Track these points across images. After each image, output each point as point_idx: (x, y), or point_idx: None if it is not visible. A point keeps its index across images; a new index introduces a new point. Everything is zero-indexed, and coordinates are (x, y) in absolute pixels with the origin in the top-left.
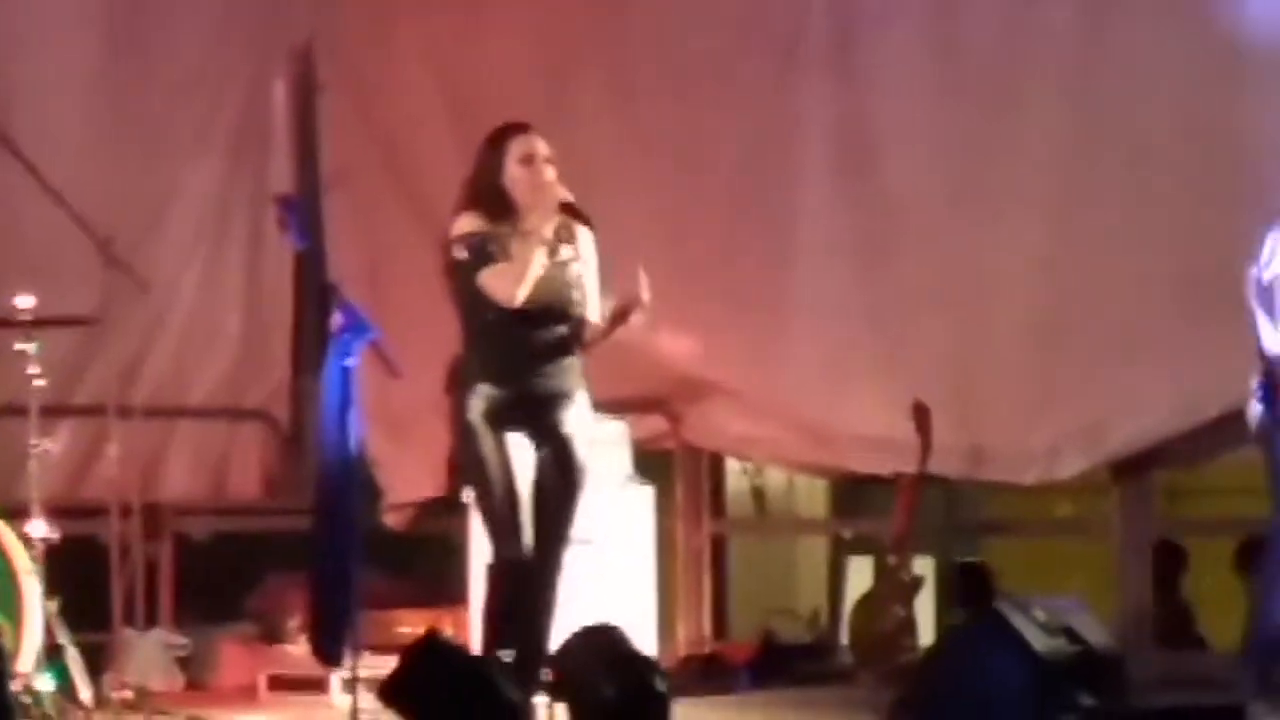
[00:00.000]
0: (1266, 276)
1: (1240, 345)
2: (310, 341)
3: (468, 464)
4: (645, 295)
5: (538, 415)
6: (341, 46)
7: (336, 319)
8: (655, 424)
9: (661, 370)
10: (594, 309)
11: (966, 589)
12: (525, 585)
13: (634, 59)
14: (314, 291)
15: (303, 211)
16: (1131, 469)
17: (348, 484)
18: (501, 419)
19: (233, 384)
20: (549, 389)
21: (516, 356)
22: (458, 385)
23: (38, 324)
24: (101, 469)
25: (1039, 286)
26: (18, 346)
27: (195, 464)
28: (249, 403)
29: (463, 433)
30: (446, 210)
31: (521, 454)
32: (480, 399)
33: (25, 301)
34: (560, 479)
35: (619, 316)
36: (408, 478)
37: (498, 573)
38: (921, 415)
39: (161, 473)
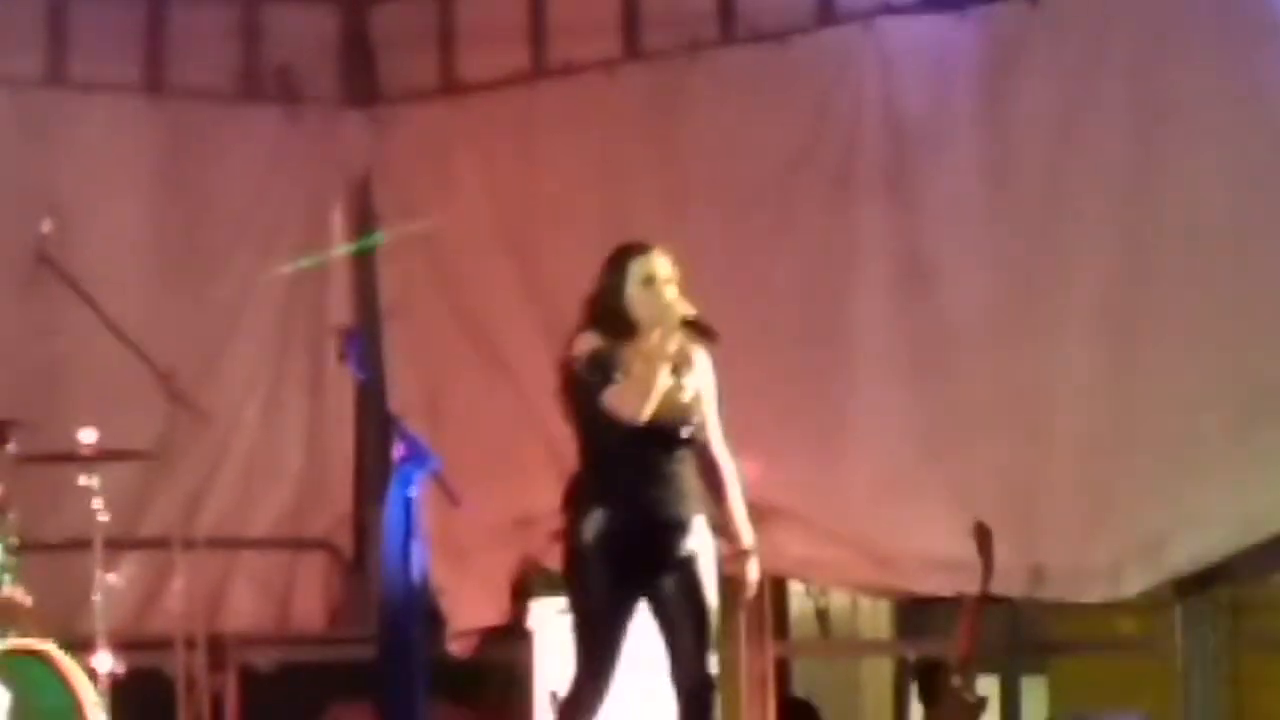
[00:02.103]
0: None
1: None
2: (372, 472)
3: (572, 588)
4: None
5: (660, 541)
6: (397, 175)
7: (398, 449)
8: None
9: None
10: (715, 433)
11: (927, 687)
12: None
13: (687, 184)
14: (375, 422)
15: (362, 343)
16: (1194, 585)
17: (411, 612)
18: (616, 547)
19: (295, 515)
20: (669, 515)
21: (638, 478)
22: (574, 505)
23: (101, 458)
24: (166, 601)
25: (1096, 404)
26: (81, 481)
27: (259, 594)
28: (312, 533)
29: (574, 555)
30: (504, 339)
31: (629, 588)
32: (596, 522)
33: (88, 436)
34: (692, 604)
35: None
36: (470, 605)
37: (571, 701)
38: (982, 535)
39: (225, 604)
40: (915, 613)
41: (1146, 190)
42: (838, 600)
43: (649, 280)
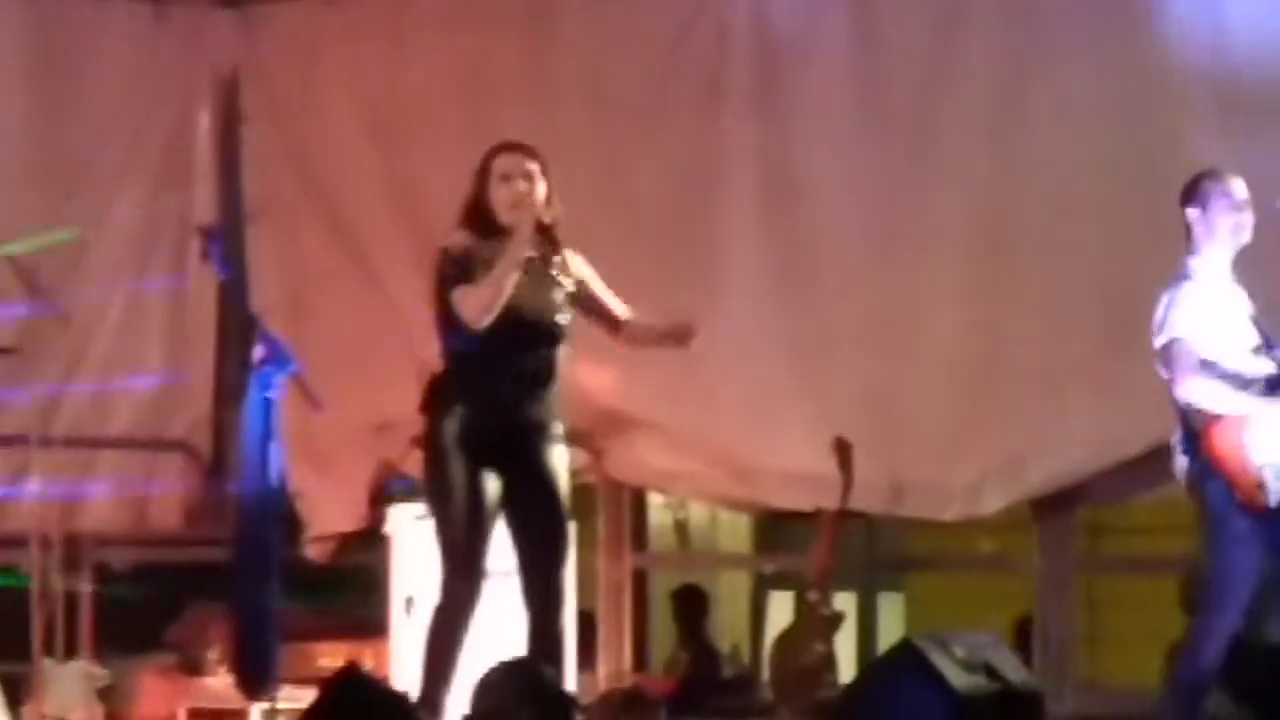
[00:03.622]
0: (1162, 340)
1: (1160, 384)
2: (232, 373)
3: (433, 488)
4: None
5: (516, 446)
6: (265, 76)
7: (258, 351)
8: (577, 458)
9: (583, 404)
10: (619, 308)
11: (684, 612)
12: (465, 620)
13: (558, 93)
14: (236, 323)
15: (226, 242)
16: (1052, 506)
17: (268, 516)
18: (476, 447)
19: (154, 415)
20: (528, 419)
21: (496, 380)
22: (433, 405)
23: None
24: (22, 500)
25: (960, 324)
26: None
27: (116, 495)
28: (170, 434)
29: (432, 455)
30: (370, 242)
31: (491, 483)
32: (455, 422)
33: None
34: (548, 509)
35: (675, 337)
36: (329, 510)
37: (445, 604)
38: (843, 451)
39: (82, 503)
40: (774, 527)
41: (1017, 112)
42: (697, 513)
43: (506, 178)
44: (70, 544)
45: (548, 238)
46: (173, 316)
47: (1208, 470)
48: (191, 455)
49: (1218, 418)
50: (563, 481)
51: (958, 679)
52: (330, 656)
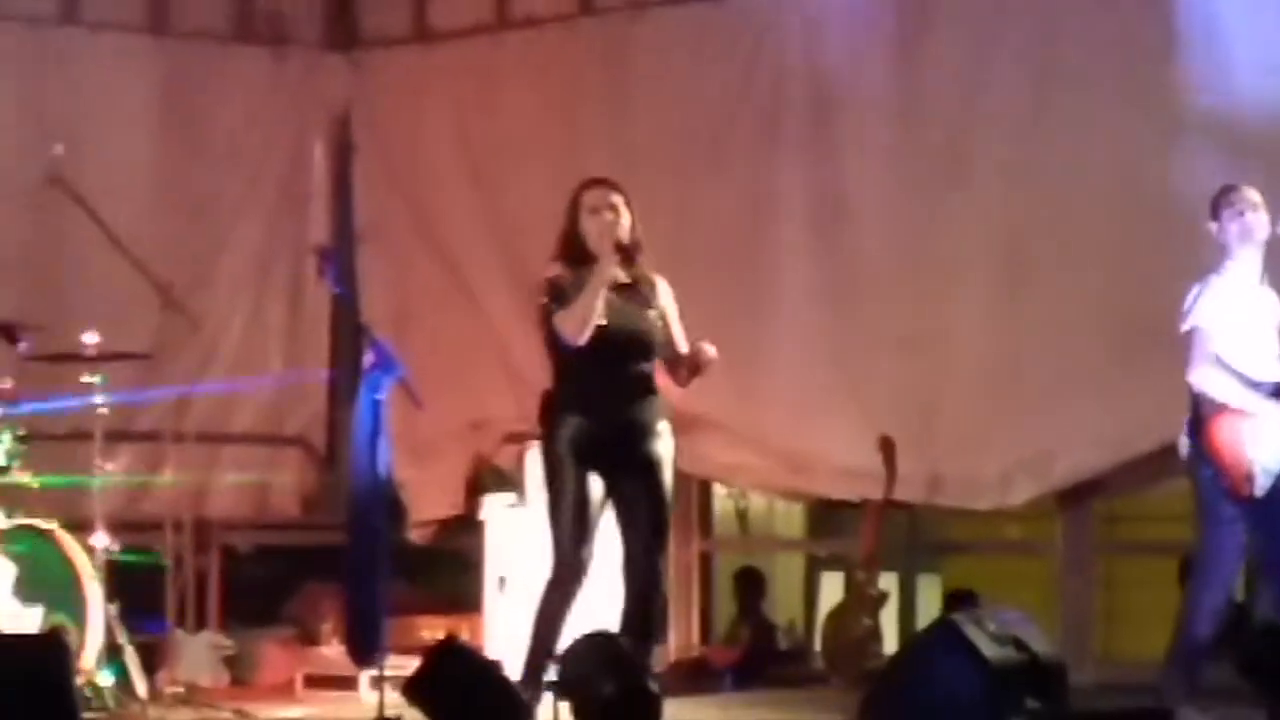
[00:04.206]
0: (1185, 327)
1: (1169, 388)
2: (344, 377)
3: (549, 488)
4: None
5: (622, 446)
6: (374, 113)
7: (368, 357)
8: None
9: None
10: (681, 342)
11: (744, 591)
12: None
13: (634, 127)
14: (348, 332)
15: (338, 261)
16: (1074, 496)
17: (376, 503)
18: (585, 450)
19: (274, 413)
20: (630, 423)
21: (599, 391)
22: (547, 416)
23: (102, 358)
24: (158, 489)
25: (990, 333)
26: (84, 379)
27: (240, 485)
28: (289, 430)
29: (549, 460)
30: (465, 262)
31: (597, 486)
32: (567, 430)
33: (91, 339)
34: (650, 506)
35: (693, 367)
36: (429, 498)
37: (552, 587)
38: (887, 447)
39: (210, 492)
40: (825, 515)
41: (1040, 144)
42: (757, 502)
43: (594, 210)
44: (200, 528)
45: (633, 261)
46: (291, 326)
47: (1203, 456)
48: (308, 449)
49: (1223, 408)
50: (666, 477)
51: (990, 650)
52: (431, 629)
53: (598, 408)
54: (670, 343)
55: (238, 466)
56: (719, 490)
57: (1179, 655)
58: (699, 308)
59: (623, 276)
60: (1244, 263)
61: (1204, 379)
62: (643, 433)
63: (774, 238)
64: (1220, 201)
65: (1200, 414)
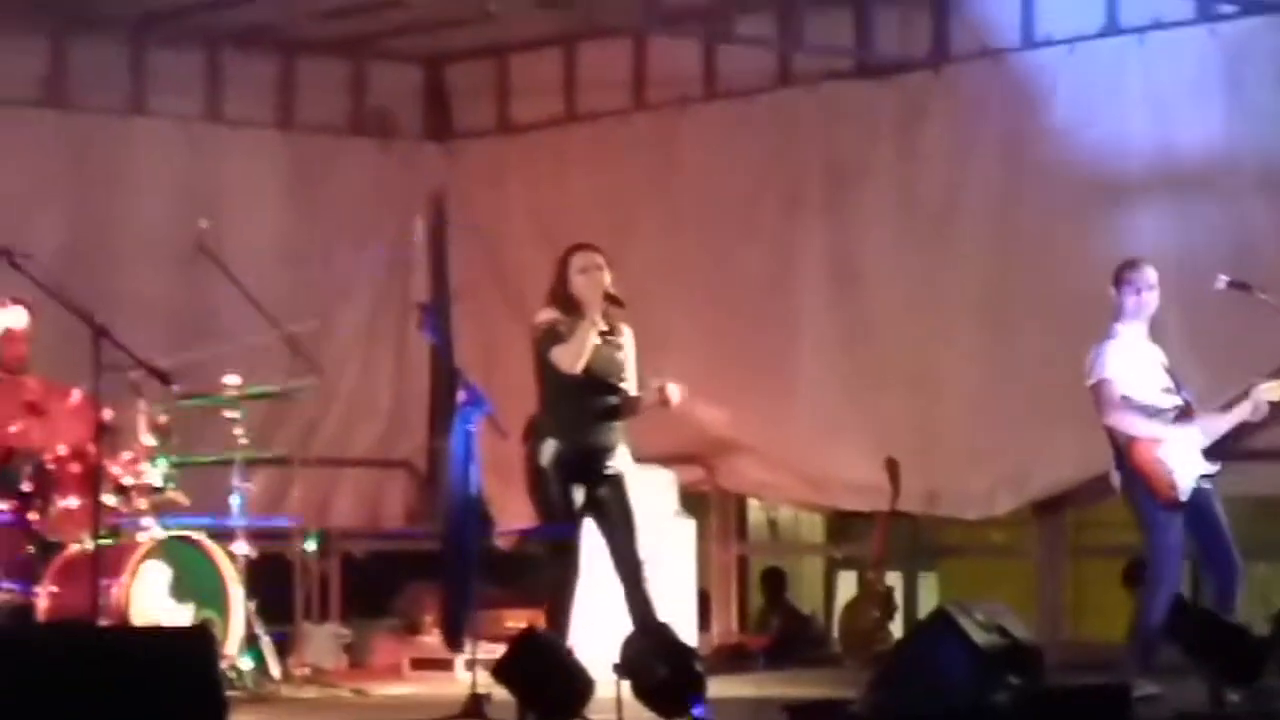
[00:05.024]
0: (1091, 381)
1: None
2: (442, 412)
3: (538, 499)
4: (675, 400)
5: (595, 463)
6: (465, 192)
7: (460, 395)
8: (695, 473)
9: (700, 433)
10: (633, 385)
11: (770, 587)
12: (570, 595)
13: (679, 201)
14: (444, 375)
15: (436, 316)
16: (1048, 507)
17: (468, 516)
18: (565, 466)
19: (385, 442)
20: (602, 443)
21: (579, 417)
22: (532, 438)
23: (241, 397)
24: (287, 504)
25: (976, 371)
26: (226, 414)
27: (356, 501)
28: (396, 455)
29: (535, 476)
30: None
31: (579, 494)
32: (550, 449)
33: (232, 380)
34: (621, 509)
35: (656, 401)
36: (512, 512)
37: (553, 586)
38: (892, 467)
39: (332, 507)
40: (841, 523)
41: (1013, 217)
42: (784, 513)
43: (583, 270)
44: (323, 537)
45: (610, 301)
46: (397, 370)
47: (1133, 478)
48: (412, 472)
49: (1136, 438)
50: (628, 488)
51: (979, 636)
52: (514, 620)
53: (575, 432)
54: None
55: (354, 485)
56: (752, 503)
57: (1137, 639)
58: (733, 351)
59: (602, 324)
60: (1133, 326)
61: (1119, 420)
62: (609, 452)
63: (797, 292)
64: (1123, 275)
65: (1120, 448)
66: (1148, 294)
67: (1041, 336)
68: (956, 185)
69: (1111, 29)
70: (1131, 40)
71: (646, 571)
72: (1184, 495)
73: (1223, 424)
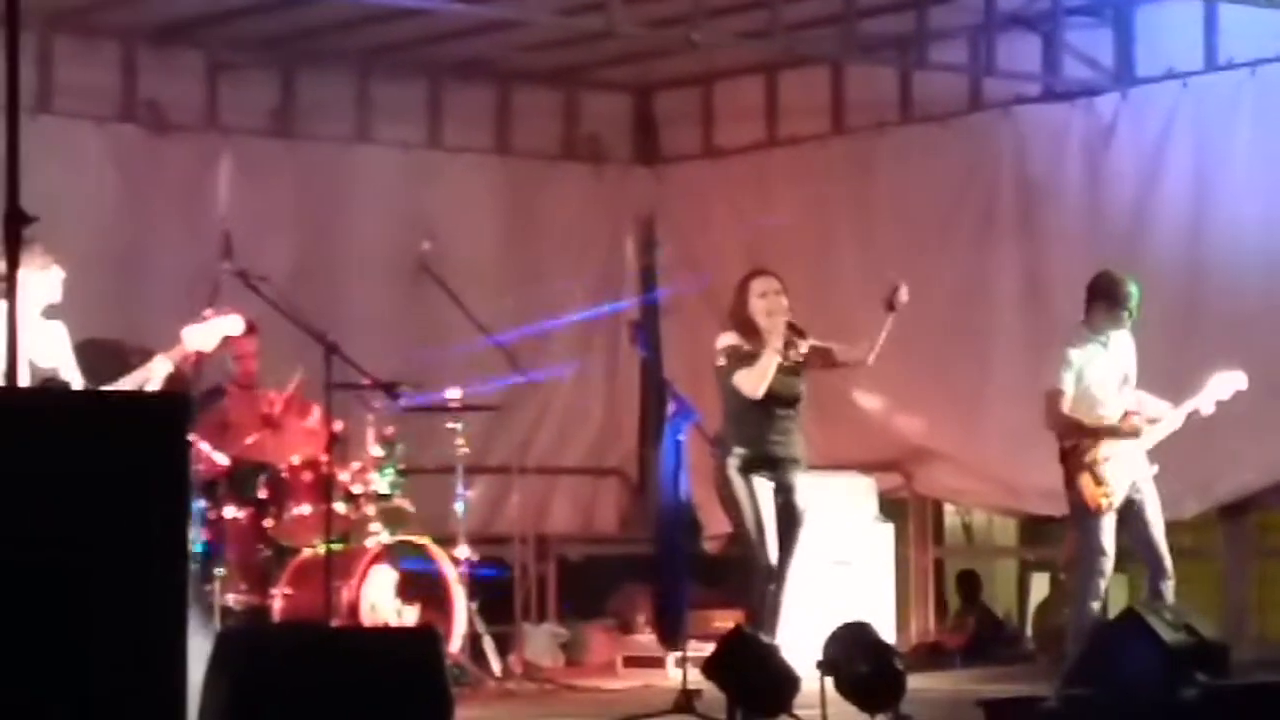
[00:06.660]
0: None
1: None
2: (652, 422)
3: (728, 503)
4: (904, 297)
5: (773, 471)
6: (673, 213)
7: (670, 406)
8: (894, 480)
9: (898, 442)
10: (835, 345)
11: (965, 588)
12: (770, 585)
13: (876, 220)
14: (654, 387)
15: (646, 331)
16: (1233, 510)
17: (678, 521)
18: (750, 472)
19: (597, 450)
20: (780, 453)
21: (760, 431)
22: (721, 446)
23: (462, 409)
24: (506, 511)
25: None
26: (448, 425)
27: (571, 507)
28: (608, 464)
29: (724, 482)
30: None
31: (765, 493)
32: (736, 458)
33: (453, 393)
34: (789, 518)
35: (886, 305)
36: (720, 518)
37: (756, 578)
38: None
39: (548, 513)
40: (1034, 527)
41: (1200, 231)
42: (979, 518)
43: (763, 295)
44: (540, 541)
45: (793, 331)
46: (609, 382)
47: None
48: (624, 479)
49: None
50: (800, 490)
51: (1168, 635)
52: (723, 620)
53: (758, 442)
54: (827, 353)
55: (569, 493)
56: (948, 508)
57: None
58: (929, 362)
59: (782, 355)
60: (1100, 335)
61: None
62: (791, 462)
63: (989, 306)
64: (1094, 287)
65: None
66: (1116, 310)
67: (1228, 352)
68: (1144, 205)
69: None
70: None
71: (789, 582)
72: (1118, 502)
73: (1178, 416)
